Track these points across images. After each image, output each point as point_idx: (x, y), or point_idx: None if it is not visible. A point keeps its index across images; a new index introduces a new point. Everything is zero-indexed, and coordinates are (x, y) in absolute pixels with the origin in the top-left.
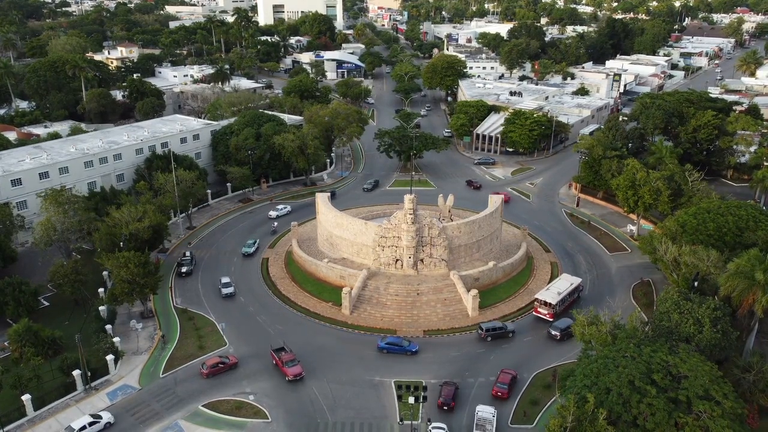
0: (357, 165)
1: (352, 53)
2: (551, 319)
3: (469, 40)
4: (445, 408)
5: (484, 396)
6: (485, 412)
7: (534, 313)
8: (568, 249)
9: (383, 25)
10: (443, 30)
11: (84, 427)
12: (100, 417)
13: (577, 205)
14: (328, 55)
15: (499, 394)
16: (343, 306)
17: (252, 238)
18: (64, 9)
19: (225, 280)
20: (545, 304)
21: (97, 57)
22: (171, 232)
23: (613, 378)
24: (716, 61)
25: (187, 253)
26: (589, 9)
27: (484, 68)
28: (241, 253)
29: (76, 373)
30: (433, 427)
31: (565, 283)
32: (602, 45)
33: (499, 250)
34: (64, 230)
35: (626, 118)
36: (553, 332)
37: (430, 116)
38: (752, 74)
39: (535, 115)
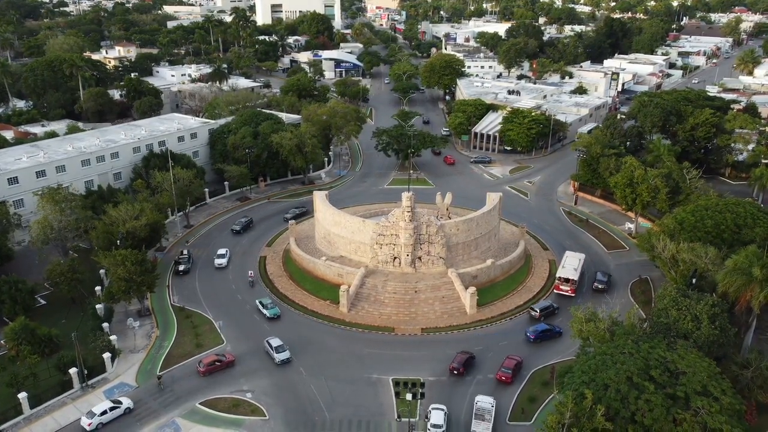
0: (355, 164)
1: (350, 53)
2: (573, 295)
3: (467, 40)
4: (455, 373)
5: (486, 395)
6: (484, 402)
7: (555, 291)
8: (567, 247)
9: (381, 24)
10: (441, 29)
11: (105, 412)
12: (120, 402)
13: (576, 204)
14: (326, 54)
15: (503, 378)
16: (341, 304)
17: (266, 298)
18: (61, 9)
19: (276, 342)
20: (567, 281)
21: (95, 56)
22: (168, 230)
23: (611, 374)
24: (714, 61)
25: (185, 252)
26: (587, 8)
27: (482, 67)
28: (268, 318)
29: (72, 371)
30: (433, 408)
31: (574, 259)
32: (600, 44)
33: (497, 248)
34: (61, 229)
35: (624, 117)
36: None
37: (428, 115)
38: (750, 73)
39: (533, 114)
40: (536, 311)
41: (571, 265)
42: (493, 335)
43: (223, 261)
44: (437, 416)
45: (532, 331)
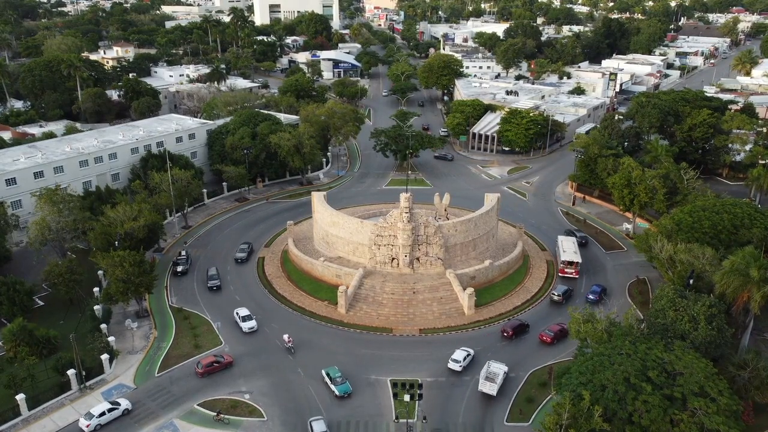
0: (353, 164)
1: (348, 53)
2: (577, 276)
3: (465, 40)
4: (505, 335)
5: (484, 396)
6: (497, 367)
7: (560, 274)
8: None
9: (380, 24)
10: (440, 30)
11: (103, 413)
12: (118, 404)
13: (574, 204)
14: (324, 54)
15: (544, 338)
16: (339, 305)
17: (333, 368)
18: (59, 9)
19: (320, 427)
20: (570, 263)
21: (93, 57)
22: (166, 231)
23: (609, 375)
24: (712, 61)
25: (183, 253)
26: (585, 9)
27: (480, 68)
28: (336, 396)
29: (70, 372)
30: (461, 348)
31: (570, 243)
32: (598, 44)
33: (495, 248)
34: (59, 229)
35: (622, 117)
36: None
37: (426, 115)
38: (747, 73)
39: (531, 114)
40: (559, 295)
41: (570, 248)
42: (491, 336)
43: (254, 324)
44: (459, 354)
45: (591, 291)
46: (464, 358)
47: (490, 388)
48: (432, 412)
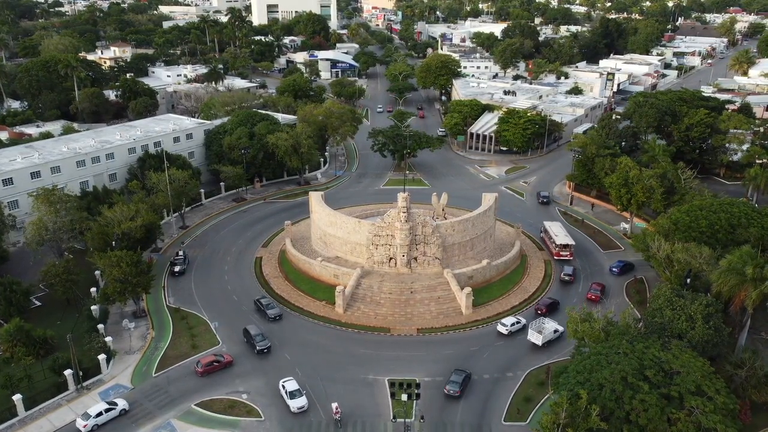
0: (351, 164)
1: (346, 53)
2: (571, 258)
3: (463, 40)
4: (539, 312)
5: (481, 395)
6: (551, 324)
7: (555, 257)
8: None
9: (377, 24)
10: (437, 30)
11: (100, 413)
12: (115, 404)
13: (571, 204)
14: (322, 54)
15: (592, 297)
16: (337, 304)
17: None
18: (57, 9)
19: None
20: (565, 246)
21: (90, 57)
22: (164, 231)
23: (606, 374)
24: (709, 61)
25: (180, 253)
26: (582, 9)
27: (478, 68)
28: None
29: (67, 372)
30: (510, 317)
31: (558, 227)
32: (596, 44)
33: (493, 248)
34: (56, 230)
35: (619, 117)
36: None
37: (424, 115)
38: (744, 73)
39: (528, 114)
40: (569, 275)
41: (561, 232)
42: (489, 335)
43: (304, 402)
44: (509, 319)
45: (615, 266)
46: (512, 324)
47: (536, 338)
48: (430, 411)
